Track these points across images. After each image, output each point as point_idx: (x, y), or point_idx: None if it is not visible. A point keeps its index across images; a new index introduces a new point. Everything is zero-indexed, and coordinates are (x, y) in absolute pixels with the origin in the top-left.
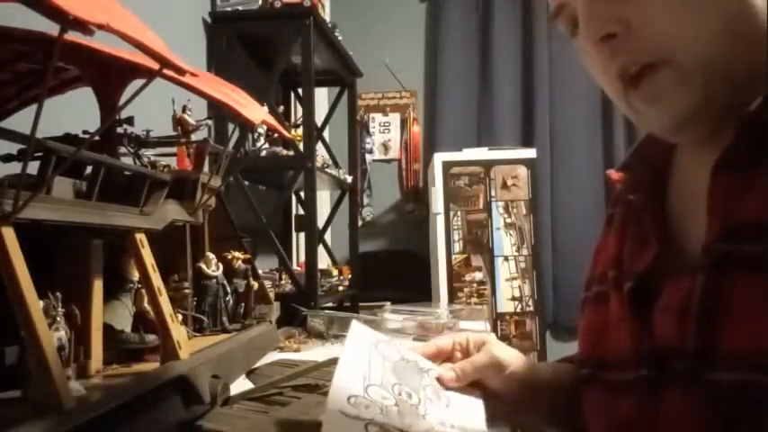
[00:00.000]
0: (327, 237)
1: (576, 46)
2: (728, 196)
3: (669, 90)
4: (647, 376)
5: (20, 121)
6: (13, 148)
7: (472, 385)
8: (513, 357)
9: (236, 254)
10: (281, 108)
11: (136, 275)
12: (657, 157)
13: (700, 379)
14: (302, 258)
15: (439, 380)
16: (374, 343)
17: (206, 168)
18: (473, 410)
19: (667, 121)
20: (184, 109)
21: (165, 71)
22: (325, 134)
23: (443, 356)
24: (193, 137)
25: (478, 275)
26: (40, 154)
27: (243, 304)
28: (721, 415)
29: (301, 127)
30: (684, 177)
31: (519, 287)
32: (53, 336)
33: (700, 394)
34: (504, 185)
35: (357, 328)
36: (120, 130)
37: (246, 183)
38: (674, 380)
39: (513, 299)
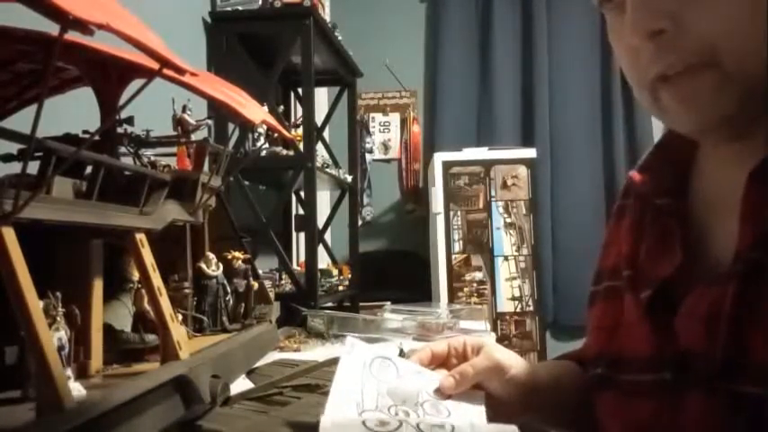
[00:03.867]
0: (327, 237)
1: (609, 20)
2: (763, 203)
3: (707, 93)
4: (668, 380)
5: (20, 121)
6: (13, 148)
7: (472, 388)
8: (513, 360)
9: (236, 254)
10: (281, 108)
11: (136, 275)
12: (679, 156)
13: (724, 388)
14: (302, 258)
15: (438, 389)
16: (368, 363)
17: (206, 168)
18: (475, 415)
19: (698, 122)
20: (184, 109)
21: (165, 71)
22: (326, 134)
23: (438, 362)
24: (193, 137)
25: (478, 275)
26: (40, 154)
27: (243, 304)
28: (745, 426)
29: (301, 127)
30: (708, 178)
31: (519, 287)
32: (53, 336)
33: (723, 403)
34: (504, 185)
35: (350, 349)
36: (120, 130)
37: (246, 183)
38: (697, 385)
39: (513, 299)
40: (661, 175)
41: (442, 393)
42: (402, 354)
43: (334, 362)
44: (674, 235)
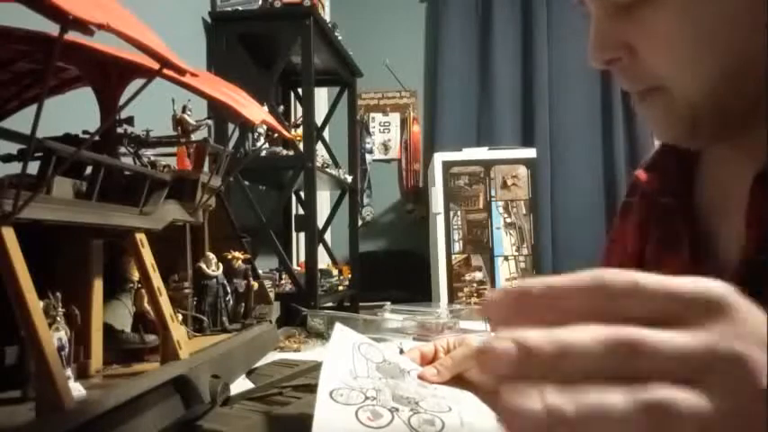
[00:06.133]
0: (327, 237)
1: None
2: None
3: (660, 114)
4: None
5: (20, 121)
6: (13, 148)
7: (456, 381)
8: None
9: (236, 254)
10: (281, 108)
11: (136, 275)
12: (685, 155)
13: None
14: (302, 258)
15: (421, 377)
16: (357, 345)
17: (206, 168)
18: (462, 394)
19: (664, 135)
20: (184, 109)
21: (165, 71)
22: (326, 134)
23: (427, 361)
24: (193, 137)
25: (478, 275)
26: (40, 154)
27: (243, 304)
28: None
29: (301, 127)
30: (713, 177)
31: None
32: (53, 336)
33: None
34: (504, 185)
35: (340, 332)
36: (120, 130)
37: (246, 183)
38: None
39: None
40: (667, 175)
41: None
42: (402, 354)
43: None
44: (681, 234)
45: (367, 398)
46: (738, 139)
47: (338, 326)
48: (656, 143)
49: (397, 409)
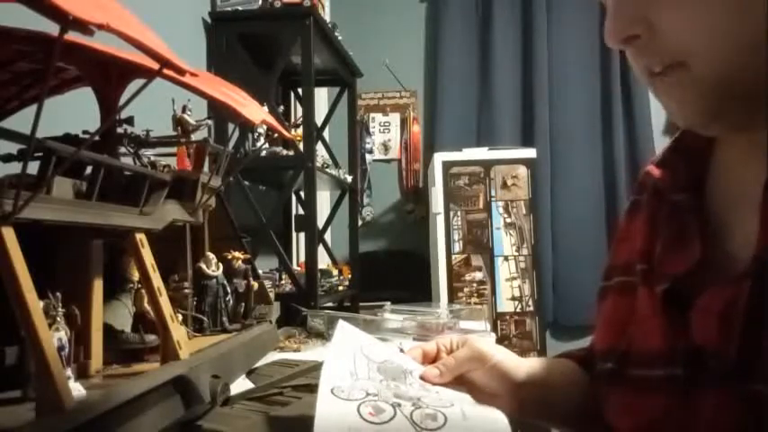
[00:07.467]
0: (327, 237)
1: None
2: None
3: (683, 92)
4: (680, 376)
5: (20, 121)
6: (13, 148)
7: (458, 382)
8: (496, 350)
9: (236, 254)
10: (281, 108)
11: (136, 275)
12: (695, 150)
13: (739, 385)
14: (302, 258)
15: (423, 377)
16: (359, 345)
17: (206, 168)
18: (465, 401)
19: (686, 118)
20: (184, 109)
21: (165, 71)
22: (326, 134)
23: (429, 360)
24: (193, 137)
25: (478, 275)
26: (40, 154)
27: (243, 304)
28: (757, 426)
29: (301, 127)
30: (725, 174)
31: (519, 287)
32: (53, 336)
33: (736, 401)
34: (504, 185)
35: (343, 329)
36: (120, 130)
37: (246, 183)
38: (710, 382)
39: (513, 299)
40: (678, 171)
41: (426, 383)
42: (403, 352)
43: None
44: (692, 231)
45: (369, 394)
46: (754, 134)
47: (341, 323)
48: (657, 148)
49: (399, 405)
